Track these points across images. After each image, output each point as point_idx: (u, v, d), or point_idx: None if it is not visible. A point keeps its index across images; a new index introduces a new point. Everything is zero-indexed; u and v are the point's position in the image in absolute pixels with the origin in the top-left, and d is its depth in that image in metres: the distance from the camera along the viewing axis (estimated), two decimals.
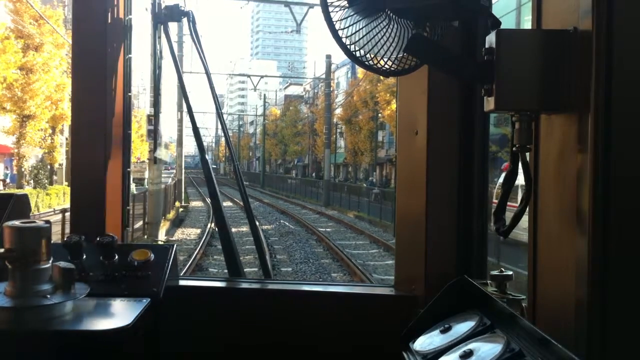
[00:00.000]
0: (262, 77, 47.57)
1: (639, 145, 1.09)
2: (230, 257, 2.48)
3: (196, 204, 32.57)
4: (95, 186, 2.13)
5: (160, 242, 14.27)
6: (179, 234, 19.58)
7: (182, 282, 2.04)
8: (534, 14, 1.33)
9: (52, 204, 24.21)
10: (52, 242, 1.53)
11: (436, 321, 1.35)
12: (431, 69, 1.81)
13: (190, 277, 5.85)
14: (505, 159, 15.51)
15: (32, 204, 19.64)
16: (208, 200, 20.66)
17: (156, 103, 3.30)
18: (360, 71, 39.55)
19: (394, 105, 31.58)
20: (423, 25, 1.34)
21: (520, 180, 1.30)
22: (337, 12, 1.27)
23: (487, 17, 1.31)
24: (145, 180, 22.42)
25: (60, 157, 29.33)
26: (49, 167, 28.91)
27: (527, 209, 1.28)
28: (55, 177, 29.41)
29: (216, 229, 13.21)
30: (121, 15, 2.21)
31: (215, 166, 76.32)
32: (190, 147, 70.97)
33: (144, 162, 31.71)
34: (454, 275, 1.66)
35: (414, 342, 1.34)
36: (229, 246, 2.52)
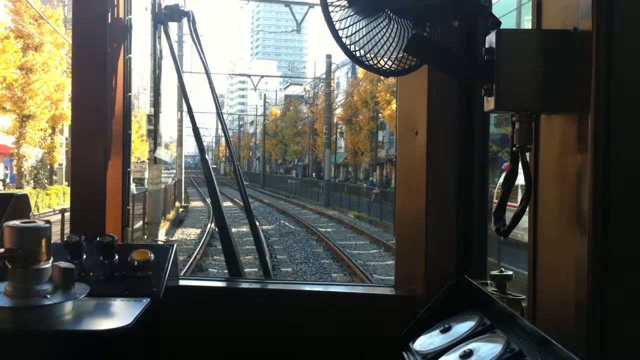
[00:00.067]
0: (262, 77, 47.64)
1: (639, 145, 1.09)
2: (230, 257, 2.48)
3: (196, 204, 32.58)
4: (95, 186, 2.13)
5: (160, 242, 14.27)
6: (179, 234, 19.58)
7: (182, 282, 2.04)
8: (534, 14, 1.33)
9: (52, 204, 24.22)
10: (52, 242, 1.53)
11: (436, 321, 1.35)
12: (431, 69, 1.81)
13: (190, 277, 5.85)
14: (505, 159, 15.51)
15: (32, 204, 19.63)
16: (208, 200, 20.68)
17: (156, 103, 3.31)
18: (360, 71, 39.56)
19: (394, 105, 31.58)
20: (423, 25, 1.34)
21: (520, 180, 1.30)
22: (337, 12, 1.27)
23: (487, 17, 1.31)
24: (145, 181, 22.41)
25: (60, 157, 29.33)
26: (48, 167, 28.91)
27: (527, 209, 1.28)
28: (55, 177, 29.42)
29: (216, 229, 13.23)
30: (121, 15, 2.21)
31: (215, 166, 76.25)
32: (190, 147, 71.00)
33: (144, 162, 31.67)
34: (454, 275, 1.66)
35: (414, 342, 1.34)
36: (229, 246, 2.52)
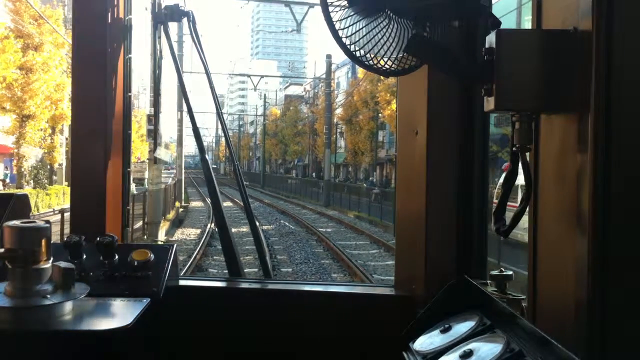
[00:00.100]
0: (262, 77, 47.62)
1: (639, 145, 1.09)
2: (230, 257, 2.48)
3: (196, 204, 32.58)
4: (95, 186, 2.13)
5: (160, 242, 14.27)
6: (179, 234, 19.58)
7: (182, 282, 2.04)
8: (534, 14, 1.33)
9: (52, 204, 24.22)
10: (52, 242, 1.53)
11: (436, 321, 1.35)
12: (431, 69, 1.81)
13: (190, 277, 5.85)
14: (505, 159, 15.51)
15: (32, 204, 19.63)
16: (208, 200, 20.66)
17: (156, 103, 3.31)
18: (360, 71, 39.55)
19: (394, 105, 31.59)
20: (423, 25, 1.34)
21: (520, 180, 1.30)
22: (337, 12, 1.27)
23: (487, 17, 1.32)
24: (145, 181, 22.42)
25: (60, 157, 29.33)
26: (48, 167, 28.91)
27: (527, 209, 1.28)
28: (55, 177, 29.42)
29: (216, 229, 13.23)
30: (121, 15, 2.21)
31: (215, 166, 76.26)
32: (190, 147, 71.01)
33: (144, 162, 31.69)
34: (454, 275, 1.66)
35: (414, 342, 1.34)
36: (229, 246, 2.52)
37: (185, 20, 2.72)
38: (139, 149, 38.65)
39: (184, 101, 3.81)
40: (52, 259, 1.51)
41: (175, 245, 1.97)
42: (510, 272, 1.50)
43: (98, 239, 1.82)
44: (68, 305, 1.52)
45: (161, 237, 16.97)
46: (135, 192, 19.86)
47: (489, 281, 1.54)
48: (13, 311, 1.47)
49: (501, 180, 1.39)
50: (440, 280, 1.54)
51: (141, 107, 49.48)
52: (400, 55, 1.34)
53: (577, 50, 1.15)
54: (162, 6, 2.88)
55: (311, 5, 26.14)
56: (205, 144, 3.09)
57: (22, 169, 26.15)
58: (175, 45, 4.79)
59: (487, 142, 1.92)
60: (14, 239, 1.45)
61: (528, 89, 1.21)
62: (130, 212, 2.37)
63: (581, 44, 1.14)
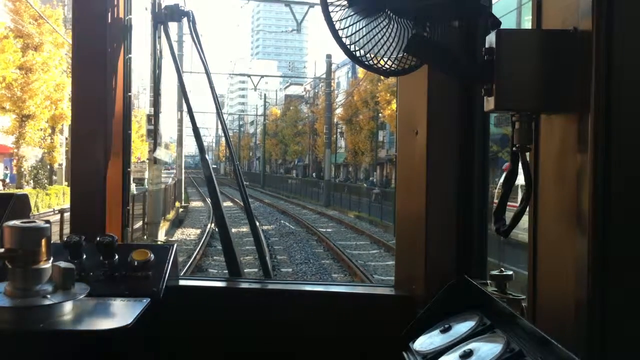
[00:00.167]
0: (262, 76, 47.61)
1: (639, 145, 1.09)
2: (230, 257, 2.48)
3: (196, 204, 32.58)
4: (95, 186, 2.13)
5: (160, 242, 14.27)
6: (179, 234, 19.58)
7: (182, 282, 2.04)
8: (534, 14, 1.33)
9: (51, 204, 24.21)
10: (52, 242, 1.53)
11: (436, 321, 1.35)
12: (431, 69, 1.81)
13: (190, 277, 5.85)
14: (506, 159, 15.51)
15: (32, 204, 19.63)
16: (208, 200, 20.67)
17: (156, 103, 3.31)
18: (360, 71, 39.56)
19: (394, 105, 31.59)
20: (423, 25, 1.34)
21: (520, 180, 1.30)
22: (337, 12, 1.27)
23: (487, 17, 1.32)
24: (145, 181, 22.41)
25: (60, 157, 29.33)
26: (48, 167, 28.91)
27: (527, 209, 1.28)
28: (55, 177, 29.41)
29: (216, 229, 13.22)
30: (121, 15, 2.21)
31: (215, 166, 76.27)
32: (190, 147, 70.97)
33: (144, 162, 31.66)
34: (454, 275, 1.66)
35: (414, 342, 1.34)
36: (229, 246, 2.52)
37: (185, 20, 2.72)
38: (139, 149, 38.64)
39: (184, 101, 3.81)
40: (52, 259, 1.51)
41: (175, 245, 1.97)
42: (510, 272, 1.50)
43: (98, 239, 1.82)
44: (68, 305, 1.52)
45: (161, 237, 16.98)
46: (135, 192, 19.85)
47: (489, 281, 1.54)
48: (13, 311, 1.47)
49: (501, 180, 1.39)
50: (440, 280, 1.54)
51: (141, 107, 49.49)
52: (400, 55, 1.34)
53: (577, 50, 1.15)
54: (162, 6, 2.88)
55: (311, 5, 26.15)
56: (205, 144, 3.09)
57: (22, 169, 26.15)
58: (175, 45, 4.79)
59: (487, 142, 1.92)
60: (14, 239, 1.45)
61: (528, 89, 1.21)
62: (130, 212, 2.37)
63: (581, 44, 1.14)
